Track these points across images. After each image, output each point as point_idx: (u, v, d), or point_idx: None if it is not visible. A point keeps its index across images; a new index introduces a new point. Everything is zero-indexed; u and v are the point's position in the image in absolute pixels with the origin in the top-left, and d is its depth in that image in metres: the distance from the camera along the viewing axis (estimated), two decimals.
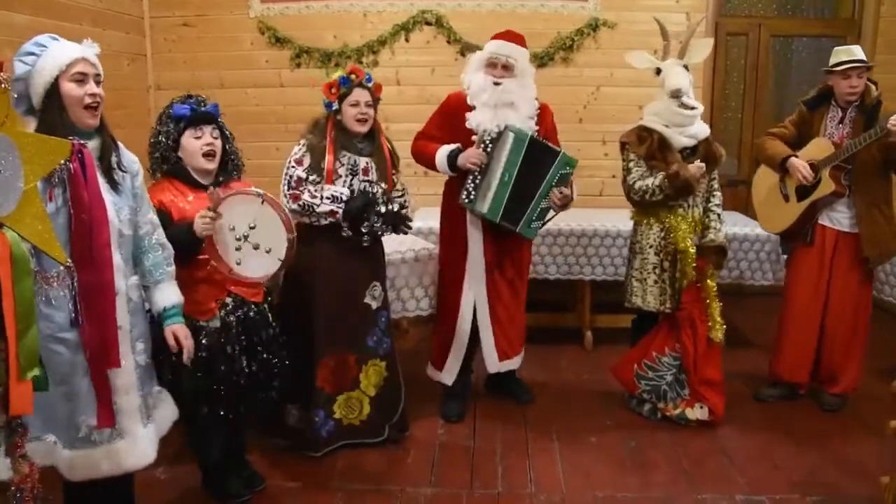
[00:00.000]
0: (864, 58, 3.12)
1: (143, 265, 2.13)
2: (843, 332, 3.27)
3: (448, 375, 3.32)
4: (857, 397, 3.41)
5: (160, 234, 2.16)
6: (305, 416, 2.91)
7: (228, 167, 2.48)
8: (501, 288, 3.24)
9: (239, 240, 2.31)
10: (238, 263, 2.33)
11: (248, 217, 2.31)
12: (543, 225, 3.17)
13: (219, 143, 2.40)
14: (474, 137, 3.05)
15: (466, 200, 3.06)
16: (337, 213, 2.74)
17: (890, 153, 3.05)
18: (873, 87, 3.16)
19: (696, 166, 3.01)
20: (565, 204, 3.09)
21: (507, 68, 3.02)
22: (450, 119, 3.16)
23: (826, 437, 3.12)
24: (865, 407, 3.36)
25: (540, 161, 3.02)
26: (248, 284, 2.45)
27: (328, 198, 2.73)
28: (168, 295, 2.17)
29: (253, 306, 2.49)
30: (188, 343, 2.20)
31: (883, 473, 2.41)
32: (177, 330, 2.17)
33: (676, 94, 3.02)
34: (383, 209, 2.82)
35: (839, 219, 3.23)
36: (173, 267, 2.19)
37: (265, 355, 2.50)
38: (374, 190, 2.84)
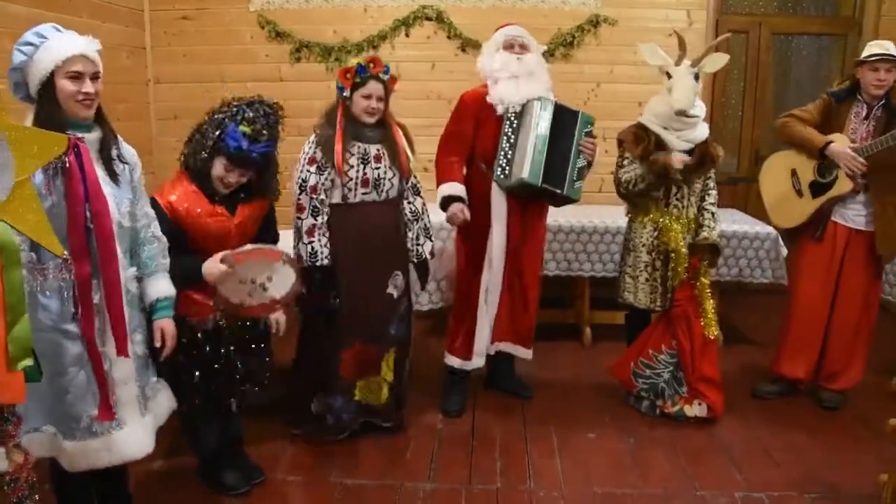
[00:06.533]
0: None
1: (140, 257, 2.13)
2: (849, 330, 3.26)
3: (479, 359, 3.30)
4: (856, 395, 3.41)
5: (156, 227, 2.17)
6: (326, 404, 2.93)
7: (253, 189, 2.48)
8: (522, 267, 3.24)
9: (252, 283, 2.39)
10: (241, 303, 2.41)
11: (265, 271, 2.39)
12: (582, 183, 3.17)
13: (244, 179, 2.41)
14: (499, 108, 3.05)
15: (501, 176, 3.05)
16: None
17: None
18: None
19: (678, 157, 3.00)
20: (593, 153, 3.12)
21: (524, 47, 3.14)
22: (473, 112, 3.14)
23: (825, 434, 3.13)
24: (864, 404, 3.37)
25: (566, 123, 3.05)
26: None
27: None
28: (161, 287, 2.17)
29: None
30: (171, 343, 2.18)
31: (882, 471, 2.41)
32: (164, 325, 2.16)
33: (680, 115, 2.99)
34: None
35: (852, 216, 3.20)
36: (167, 259, 2.20)
37: (252, 346, 2.53)
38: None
